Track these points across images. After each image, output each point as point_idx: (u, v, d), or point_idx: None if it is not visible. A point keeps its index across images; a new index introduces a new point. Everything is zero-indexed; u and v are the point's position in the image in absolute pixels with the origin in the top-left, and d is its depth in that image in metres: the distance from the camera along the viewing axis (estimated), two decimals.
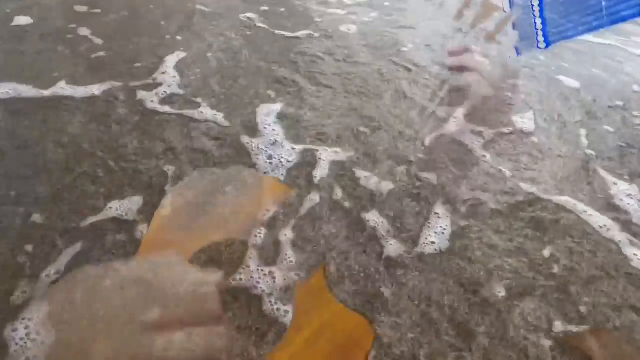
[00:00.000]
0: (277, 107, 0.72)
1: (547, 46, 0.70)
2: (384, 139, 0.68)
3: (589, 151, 0.70)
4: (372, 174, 0.61)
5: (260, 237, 0.50)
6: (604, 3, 0.61)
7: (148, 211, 0.52)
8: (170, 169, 0.58)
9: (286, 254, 0.48)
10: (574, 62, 0.95)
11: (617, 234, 0.57)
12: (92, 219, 0.50)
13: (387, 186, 0.59)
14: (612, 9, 0.61)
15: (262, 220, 0.52)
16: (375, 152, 0.65)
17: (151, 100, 0.71)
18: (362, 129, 0.69)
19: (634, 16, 0.59)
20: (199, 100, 0.72)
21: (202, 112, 0.69)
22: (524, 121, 0.75)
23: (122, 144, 0.62)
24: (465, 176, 0.63)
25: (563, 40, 0.68)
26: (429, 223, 0.54)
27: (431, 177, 0.62)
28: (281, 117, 0.70)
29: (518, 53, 0.76)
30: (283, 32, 0.94)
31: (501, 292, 0.48)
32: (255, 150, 0.62)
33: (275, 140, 0.65)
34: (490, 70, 0.81)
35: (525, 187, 0.62)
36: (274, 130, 0.67)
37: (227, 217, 0.51)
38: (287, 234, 0.51)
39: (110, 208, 0.52)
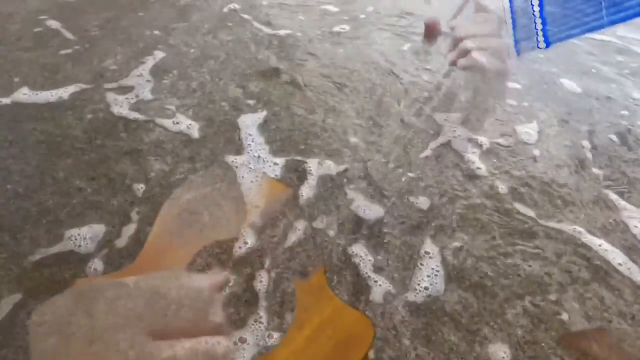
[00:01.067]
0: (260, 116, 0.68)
1: (547, 46, 0.70)
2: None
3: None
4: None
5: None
6: (603, 3, 0.61)
7: (110, 241, 0.47)
8: (140, 189, 0.53)
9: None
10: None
11: None
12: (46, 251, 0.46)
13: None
14: (612, 9, 0.61)
15: (259, 220, 0.52)
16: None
17: (120, 105, 0.65)
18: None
19: (634, 16, 0.59)
20: (172, 107, 0.67)
21: (177, 123, 0.64)
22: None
23: (85, 162, 0.56)
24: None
25: (563, 40, 0.69)
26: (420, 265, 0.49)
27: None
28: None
29: (518, 53, 0.77)
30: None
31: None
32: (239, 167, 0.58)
33: (259, 155, 0.60)
34: (492, 44, 0.81)
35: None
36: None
37: (224, 218, 0.52)
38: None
39: (70, 238, 0.47)
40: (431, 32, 0.87)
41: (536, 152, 0.68)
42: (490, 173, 0.63)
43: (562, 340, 0.45)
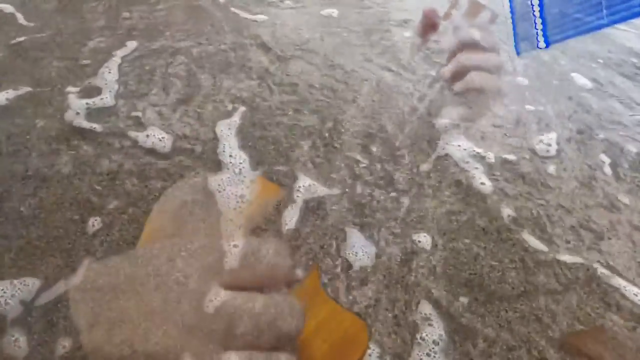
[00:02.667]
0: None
1: (547, 46, 0.70)
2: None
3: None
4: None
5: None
6: (604, 3, 0.61)
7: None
8: (95, 223, 0.44)
9: None
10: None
11: None
12: None
13: None
14: (613, 8, 0.61)
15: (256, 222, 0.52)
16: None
17: (78, 112, 0.55)
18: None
19: (634, 16, 0.59)
20: (140, 115, 0.57)
21: (148, 136, 0.55)
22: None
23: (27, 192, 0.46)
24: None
25: (563, 40, 0.68)
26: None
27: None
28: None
29: (518, 53, 0.77)
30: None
31: None
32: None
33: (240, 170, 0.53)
34: (490, 60, 0.74)
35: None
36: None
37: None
38: None
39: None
40: (429, 27, 0.83)
41: (551, 169, 0.63)
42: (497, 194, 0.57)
43: (561, 340, 0.44)
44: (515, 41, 0.76)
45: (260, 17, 0.84)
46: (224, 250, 0.39)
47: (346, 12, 0.93)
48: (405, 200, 0.54)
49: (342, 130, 0.61)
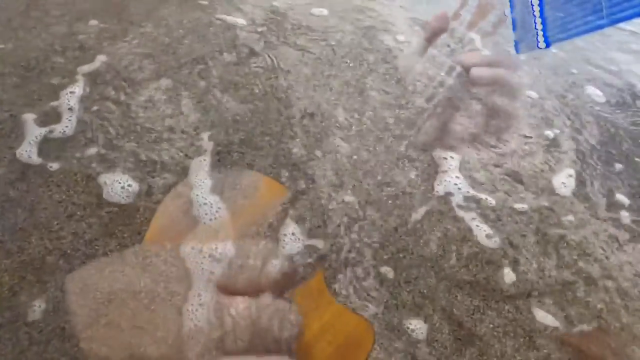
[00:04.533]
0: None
1: (547, 46, 0.70)
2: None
3: None
4: None
5: None
6: (604, 3, 0.61)
7: None
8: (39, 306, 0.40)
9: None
10: None
11: None
12: None
13: None
14: (613, 8, 0.61)
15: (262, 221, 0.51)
16: None
17: (29, 152, 0.46)
18: None
19: (634, 16, 0.59)
20: (111, 152, 0.49)
21: (115, 182, 0.47)
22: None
23: None
24: None
25: (563, 40, 0.68)
26: None
27: None
28: None
29: (518, 53, 0.77)
30: None
31: None
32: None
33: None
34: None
35: None
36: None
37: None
38: None
39: None
40: (438, 32, 0.81)
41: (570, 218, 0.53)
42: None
43: (561, 340, 0.44)
44: (515, 41, 0.76)
45: None
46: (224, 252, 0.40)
47: None
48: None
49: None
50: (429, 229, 0.51)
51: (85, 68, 0.59)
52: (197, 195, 0.49)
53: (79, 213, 0.45)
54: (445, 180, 0.55)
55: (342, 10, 0.84)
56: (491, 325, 0.45)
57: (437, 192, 0.54)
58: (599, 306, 0.48)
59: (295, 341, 0.38)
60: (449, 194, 0.54)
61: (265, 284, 0.40)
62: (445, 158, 0.58)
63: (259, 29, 0.75)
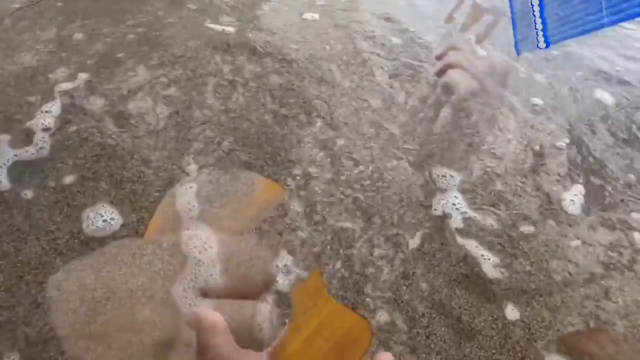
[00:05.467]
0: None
1: (547, 46, 0.70)
2: None
3: None
4: None
5: None
6: (604, 3, 0.61)
7: None
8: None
9: None
10: None
11: None
12: None
13: None
14: (613, 9, 0.61)
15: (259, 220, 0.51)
16: None
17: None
18: None
19: (634, 16, 0.59)
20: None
21: (98, 216, 0.43)
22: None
23: None
24: None
25: (563, 40, 0.68)
26: None
27: None
28: None
29: (518, 53, 0.77)
30: None
31: None
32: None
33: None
34: (476, 64, 0.71)
35: None
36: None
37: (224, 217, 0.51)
38: None
39: None
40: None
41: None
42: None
43: (561, 340, 0.44)
44: (515, 41, 0.76)
45: None
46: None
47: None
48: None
49: None
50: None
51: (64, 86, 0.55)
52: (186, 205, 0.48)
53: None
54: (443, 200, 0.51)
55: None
56: None
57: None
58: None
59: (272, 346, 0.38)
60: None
61: (247, 286, 0.40)
62: (444, 176, 0.54)
63: None
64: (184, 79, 0.62)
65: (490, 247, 0.47)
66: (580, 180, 0.56)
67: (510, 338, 0.42)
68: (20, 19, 0.65)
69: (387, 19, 0.86)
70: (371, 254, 0.46)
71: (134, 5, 0.74)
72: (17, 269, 0.41)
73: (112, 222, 0.45)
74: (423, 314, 0.42)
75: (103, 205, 0.46)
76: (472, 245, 0.47)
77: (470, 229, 0.49)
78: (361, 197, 0.51)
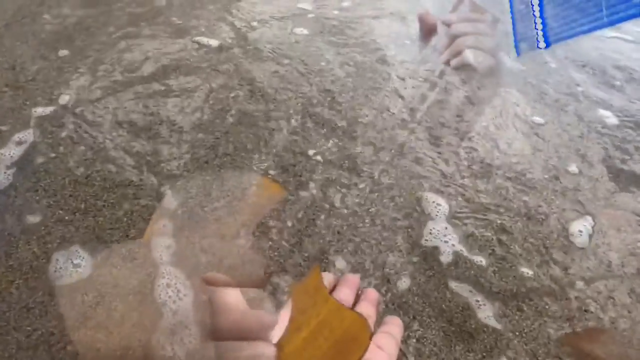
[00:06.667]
0: None
1: (547, 46, 0.70)
2: None
3: None
4: None
5: None
6: (604, 3, 0.61)
7: None
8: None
9: None
10: None
11: None
12: None
13: None
14: (612, 9, 0.61)
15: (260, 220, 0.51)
16: None
17: None
18: None
19: (634, 16, 0.59)
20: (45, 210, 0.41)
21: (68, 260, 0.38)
22: None
23: None
24: None
25: (563, 40, 0.68)
26: None
27: None
28: None
29: (518, 53, 0.77)
30: None
31: None
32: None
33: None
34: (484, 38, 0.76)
35: None
36: None
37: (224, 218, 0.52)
38: None
39: None
40: (429, 30, 0.84)
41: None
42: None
43: (561, 340, 0.44)
44: (515, 41, 0.76)
45: None
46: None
47: None
48: None
49: None
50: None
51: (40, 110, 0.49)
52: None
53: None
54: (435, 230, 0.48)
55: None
56: None
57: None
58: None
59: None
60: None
61: (246, 330, 0.40)
62: (435, 202, 0.52)
63: None
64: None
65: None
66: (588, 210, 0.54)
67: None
68: None
69: None
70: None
71: None
72: (7, 274, 0.40)
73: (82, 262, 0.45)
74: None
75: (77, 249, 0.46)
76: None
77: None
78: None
